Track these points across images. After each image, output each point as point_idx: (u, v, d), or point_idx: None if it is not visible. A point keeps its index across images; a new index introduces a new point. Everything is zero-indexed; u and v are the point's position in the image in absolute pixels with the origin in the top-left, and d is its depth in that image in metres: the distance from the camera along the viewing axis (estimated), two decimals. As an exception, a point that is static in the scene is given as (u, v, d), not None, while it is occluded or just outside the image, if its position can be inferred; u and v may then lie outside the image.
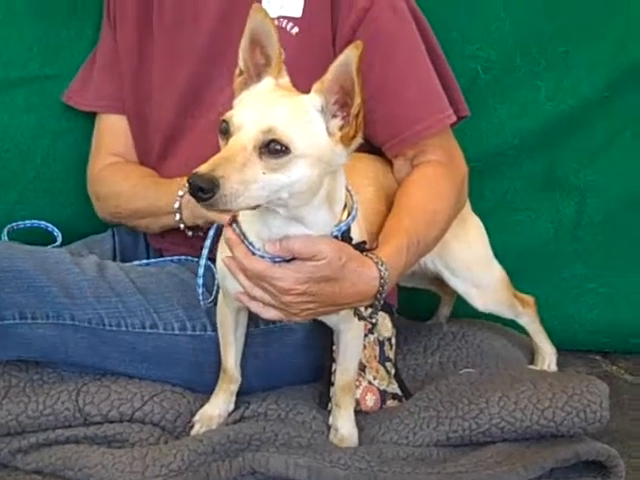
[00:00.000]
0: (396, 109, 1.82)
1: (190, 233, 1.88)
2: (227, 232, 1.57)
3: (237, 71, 1.52)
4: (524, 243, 2.31)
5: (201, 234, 1.83)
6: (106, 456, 1.70)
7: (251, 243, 1.54)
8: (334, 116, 1.45)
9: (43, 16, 2.15)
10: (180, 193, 1.83)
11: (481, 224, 2.04)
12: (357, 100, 1.43)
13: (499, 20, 2.19)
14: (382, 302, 1.63)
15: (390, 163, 1.89)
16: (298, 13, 1.82)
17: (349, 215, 1.56)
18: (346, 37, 1.80)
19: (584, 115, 2.24)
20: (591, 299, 2.34)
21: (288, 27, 1.83)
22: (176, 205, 1.84)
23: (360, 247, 1.59)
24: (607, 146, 2.26)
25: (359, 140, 1.48)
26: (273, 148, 1.39)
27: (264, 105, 1.44)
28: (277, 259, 1.53)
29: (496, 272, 2.04)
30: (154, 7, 1.97)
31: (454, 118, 1.88)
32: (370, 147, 1.87)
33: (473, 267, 2.01)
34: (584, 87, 2.22)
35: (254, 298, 1.58)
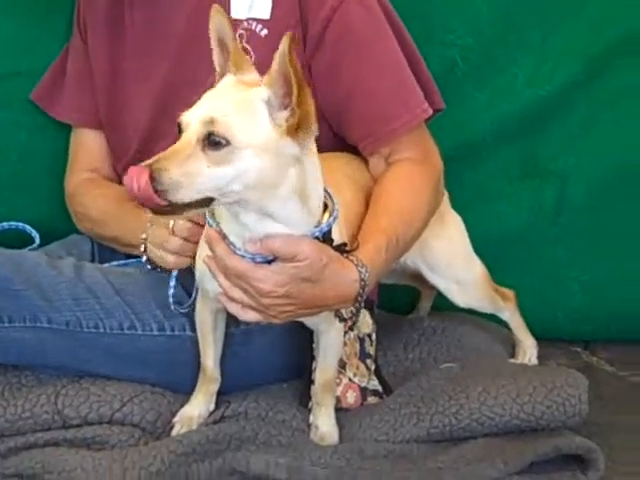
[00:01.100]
0: (370, 107, 1.81)
1: (158, 270, 1.80)
2: (208, 230, 1.56)
3: (216, 75, 1.52)
4: (505, 231, 2.31)
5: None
6: (86, 459, 1.68)
7: (232, 243, 1.53)
8: (281, 108, 1.43)
9: (15, 12, 2.13)
10: (143, 236, 1.77)
11: (460, 220, 2.03)
12: (295, 90, 1.41)
13: (476, 7, 2.18)
14: (362, 304, 1.62)
15: (366, 161, 1.88)
16: (266, 15, 1.81)
17: (330, 216, 1.55)
18: (316, 37, 1.79)
19: (562, 100, 2.23)
20: (573, 286, 2.33)
21: (257, 29, 1.82)
22: (142, 248, 1.78)
23: (341, 249, 1.58)
24: (586, 131, 2.25)
25: (312, 131, 1.46)
26: (213, 140, 1.39)
27: (210, 100, 1.44)
28: (258, 259, 1.52)
29: (476, 268, 2.04)
30: (125, 8, 1.95)
31: (430, 112, 1.86)
32: (345, 145, 1.86)
33: (453, 264, 2.00)
34: (561, 72, 2.21)
35: (233, 299, 1.57)
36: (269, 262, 1.52)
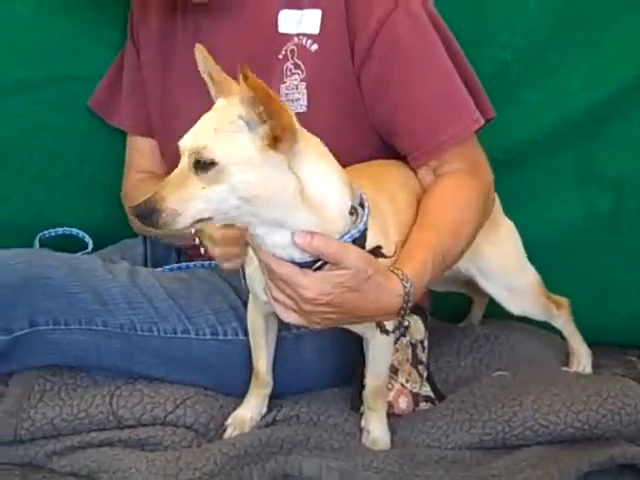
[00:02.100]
0: (419, 119, 1.79)
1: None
2: (247, 236, 1.56)
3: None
4: (559, 237, 2.27)
5: None
6: (140, 459, 1.71)
7: (273, 252, 1.54)
8: (261, 123, 1.43)
9: (69, 17, 2.16)
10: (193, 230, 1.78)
11: (513, 226, 2.00)
12: (259, 107, 1.41)
13: (528, 7, 2.15)
14: (405, 317, 1.62)
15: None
16: (316, 30, 1.81)
17: (360, 221, 1.53)
18: (364, 50, 1.78)
19: (618, 104, 2.18)
20: (630, 291, 2.30)
21: (307, 44, 1.82)
22: (196, 241, 1.79)
23: (376, 252, 1.57)
24: (643, 137, 2.21)
25: (295, 139, 1.45)
26: (203, 164, 1.43)
27: (196, 126, 1.49)
28: (297, 259, 1.51)
29: (529, 275, 2.01)
30: (177, 29, 1.96)
31: (482, 121, 1.84)
32: (397, 155, 1.85)
33: (506, 270, 1.99)
34: (617, 75, 2.16)
35: (277, 300, 1.58)
36: (312, 268, 1.52)
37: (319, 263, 1.52)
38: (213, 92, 1.55)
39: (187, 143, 1.47)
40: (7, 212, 2.24)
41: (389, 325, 1.65)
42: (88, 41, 2.18)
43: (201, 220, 1.46)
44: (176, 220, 1.43)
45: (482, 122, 1.84)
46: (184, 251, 2.11)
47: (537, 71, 2.18)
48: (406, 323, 1.90)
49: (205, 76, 1.54)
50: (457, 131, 1.80)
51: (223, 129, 1.46)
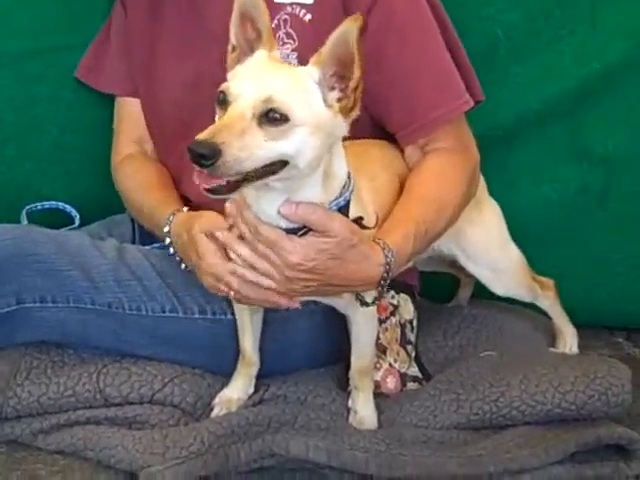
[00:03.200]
0: (411, 96, 1.79)
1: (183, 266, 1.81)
2: (234, 199, 1.55)
3: (230, 47, 1.53)
4: (549, 214, 2.25)
5: None
6: (127, 437, 1.71)
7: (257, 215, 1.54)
8: (332, 88, 1.45)
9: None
10: (166, 229, 1.77)
11: (497, 207, 2.00)
12: (356, 73, 1.43)
13: None
14: (385, 289, 1.63)
15: (402, 152, 1.86)
16: (310, 0, 1.79)
17: (346, 190, 1.55)
18: None
19: (611, 80, 2.15)
20: (618, 268, 2.28)
21: (301, 14, 1.80)
22: (167, 241, 1.79)
23: (357, 222, 1.58)
24: (636, 113, 2.18)
25: (357, 112, 1.48)
26: (272, 116, 1.40)
27: (261, 75, 1.45)
28: (283, 225, 1.52)
29: (513, 256, 2.02)
30: None
31: (471, 103, 1.84)
32: (382, 133, 1.84)
33: (490, 251, 1.99)
34: (611, 51, 2.13)
35: (255, 268, 1.57)
36: (296, 233, 1.53)
37: (304, 230, 1.53)
38: (236, 35, 1.50)
39: (255, 91, 1.41)
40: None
41: (369, 297, 1.66)
42: (70, 13, 2.14)
43: (259, 173, 1.41)
44: (241, 165, 1.37)
45: (472, 103, 1.84)
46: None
47: (529, 46, 2.16)
48: (395, 302, 1.91)
49: (236, 15, 1.50)
50: (449, 109, 1.80)
51: (297, 87, 1.43)
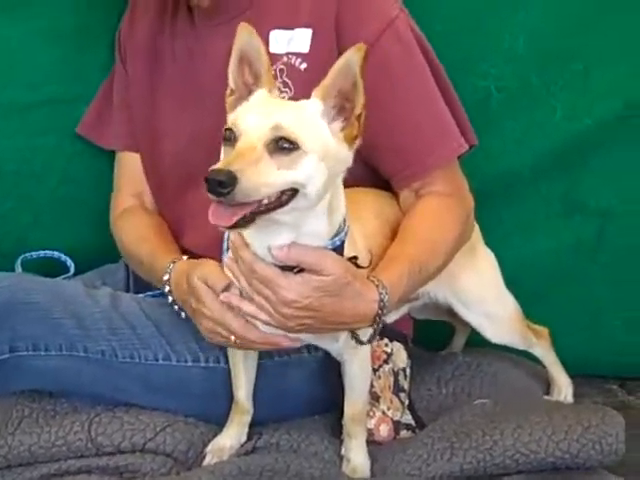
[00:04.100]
0: (405, 143, 1.82)
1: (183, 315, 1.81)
2: (232, 236, 1.57)
3: (228, 91, 1.56)
4: (544, 267, 2.27)
5: None
6: (118, 487, 1.70)
7: (254, 252, 1.55)
8: (334, 119, 1.49)
9: (57, 40, 2.16)
10: (165, 277, 1.79)
11: (492, 255, 2.02)
12: (360, 101, 1.47)
13: (513, 37, 2.14)
14: (380, 326, 1.63)
15: (396, 196, 1.88)
16: (305, 49, 1.82)
17: (341, 231, 1.57)
18: None
19: (602, 136, 2.18)
20: (614, 322, 2.30)
21: (297, 63, 1.83)
22: (166, 289, 1.79)
23: (352, 262, 1.59)
24: (627, 167, 2.21)
25: (359, 141, 1.51)
26: (282, 145, 1.42)
27: (267, 107, 1.48)
28: (283, 265, 1.53)
29: (508, 304, 2.02)
30: (165, 39, 1.97)
31: (466, 147, 1.86)
32: (376, 180, 1.87)
33: (484, 299, 2.00)
34: (602, 107, 2.17)
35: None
36: (291, 270, 1.54)
37: (300, 267, 1.54)
38: (234, 77, 1.54)
39: (262, 122, 1.43)
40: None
41: (364, 336, 1.66)
42: (73, 65, 2.17)
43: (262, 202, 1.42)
44: (258, 192, 1.39)
45: (466, 147, 1.87)
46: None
47: (521, 101, 2.19)
48: (389, 350, 1.91)
49: (235, 57, 1.53)
50: (443, 154, 1.83)
51: (303, 116, 1.46)
